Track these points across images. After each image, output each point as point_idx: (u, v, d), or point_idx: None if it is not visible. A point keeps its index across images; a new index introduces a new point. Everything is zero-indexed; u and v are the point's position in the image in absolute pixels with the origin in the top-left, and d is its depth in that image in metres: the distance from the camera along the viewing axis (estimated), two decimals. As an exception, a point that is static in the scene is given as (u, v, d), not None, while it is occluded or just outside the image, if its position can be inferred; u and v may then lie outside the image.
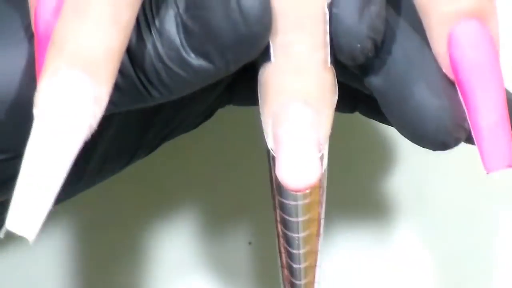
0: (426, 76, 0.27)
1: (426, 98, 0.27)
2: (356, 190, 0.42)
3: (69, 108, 0.25)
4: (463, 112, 0.27)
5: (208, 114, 0.35)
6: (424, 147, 0.27)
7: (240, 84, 0.34)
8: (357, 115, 0.34)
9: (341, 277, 0.41)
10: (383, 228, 0.42)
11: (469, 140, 0.27)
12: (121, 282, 0.42)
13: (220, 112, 0.36)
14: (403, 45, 0.27)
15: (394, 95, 0.27)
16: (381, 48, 0.27)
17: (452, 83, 0.27)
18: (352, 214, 0.42)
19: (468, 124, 0.27)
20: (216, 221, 0.42)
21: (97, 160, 0.33)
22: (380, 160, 0.43)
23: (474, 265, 0.42)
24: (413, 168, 0.43)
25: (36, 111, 0.25)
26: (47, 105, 0.25)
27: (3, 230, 0.24)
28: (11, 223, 0.24)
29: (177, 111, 0.34)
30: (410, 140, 0.27)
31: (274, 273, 0.42)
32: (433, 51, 0.27)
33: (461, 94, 0.27)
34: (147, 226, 0.43)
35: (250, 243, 0.42)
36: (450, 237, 0.42)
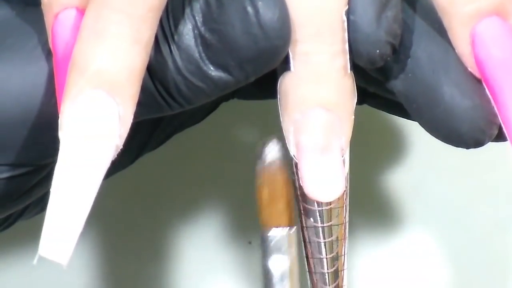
0: (453, 77, 0.27)
1: (456, 100, 0.27)
2: (363, 188, 0.42)
3: (95, 130, 0.25)
4: (493, 108, 0.27)
5: (213, 108, 0.35)
6: (457, 147, 0.27)
7: None
8: (365, 112, 0.34)
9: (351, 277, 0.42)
10: (393, 227, 0.43)
11: (500, 135, 0.27)
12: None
13: (220, 111, 0.36)
14: (426, 48, 0.27)
15: (422, 99, 0.27)
16: (404, 52, 0.27)
17: (479, 81, 0.27)
18: (360, 212, 0.42)
19: (499, 119, 0.27)
20: (216, 221, 0.42)
21: None
22: (390, 157, 0.43)
23: (486, 264, 0.43)
24: (423, 166, 0.43)
25: (62, 134, 0.25)
26: (72, 129, 0.25)
27: (36, 256, 0.24)
28: (44, 250, 0.24)
29: None
30: (442, 141, 0.28)
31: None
32: (456, 51, 0.27)
33: (489, 91, 0.27)
34: (147, 227, 0.42)
35: (250, 242, 0.42)
36: (461, 236, 0.43)
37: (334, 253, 0.29)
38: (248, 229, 0.42)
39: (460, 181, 0.43)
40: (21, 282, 0.42)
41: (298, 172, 0.27)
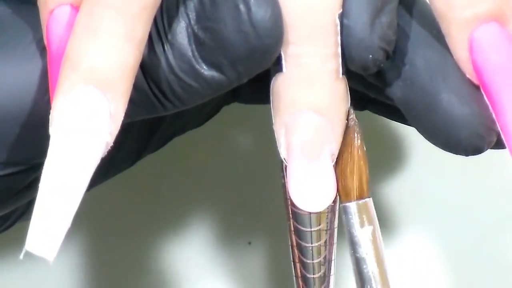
0: (451, 84, 0.27)
1: (455, 107, 0.27)
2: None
3: (85, 126, 0.25)
4: (492, 114, 0.27)
5: (214, 111, 0.35)
6: (456, 154, 0.27)
7: (244, 83, 0.34)
8: (364, 116, 0.34)
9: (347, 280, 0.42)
10: (393, 230, 0.43)
11: (499, 142, 0.27)
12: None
13: (220, 113, 0.36)
14: (424, 54, 0.27)
15: (421, 106, 0.27)
16: (402, 59, 0.27)
17: (477, 87, 0.27)
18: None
19: (498, 125, 0.26)
20: (216, 221, 0.42)
21: (105, 162, 0.33)
22: (389, 160, 0.43)
23: (485, 268, 0.42)
24: (422, 169, 0.43)
25: (52, 129, 0.25)
26: (63, 124, 0.25)
27: (23, 251, 0.24)
28: (30, 245, 0.24)
29: (184, 110, 0.34)
30: (441, 148, 0.27)
31: (273, 273, 0.43)
32: (454, 57, 0.27)
33: (487, 97, 0.27)
34: (147, 227, 0.42)
35: (250, 243, 0.42)
36: (461, 237, 0.43)
37: (322, 258, 0.29)
38: (248, 230, 0.42)
39: (460, 183, 0.43)
40: (20, 283, 0.42)
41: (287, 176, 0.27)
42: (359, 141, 0.28)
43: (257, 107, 0.35)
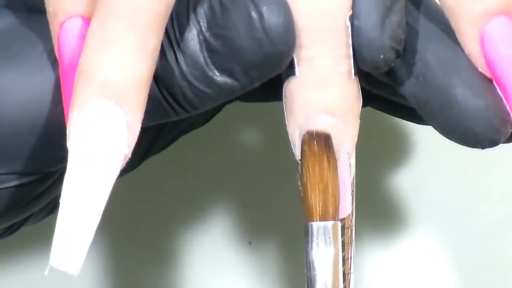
0: (464, 78, 0.27)
1: (470, 101, 0.27)
2: (365, 190, 0.42)
3: (103, 139, 0.25)
4: (506, 106, 0.27)
5: (216, 110, 0.35)
6: (472, 147, 0.27)
7: None
8: (366, 114, 0.34)
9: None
10: (397, 229, 0.43)
11: None
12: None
13: (222, 112, 0.36)
14: (435, 50, 0.27)
15: (435, 102, 0.27)
16: (413, 56, 0.27)
17: (489, 81, 0.27)
18: (364, 215, 0.42)
19: None
20: (216, 221, 0.43)
21: None
22: (392, 159, 0.43)
23: (486, 267, 0.43)
24: (425, 168, 0.43)
25: (70, 143, 0.25)
26: (81, 138, 0.24)
27: (47, 267, 0.24)
28: (54, 260, 0.24)
29: None
30: (457, 142, 0.28)
31: (274, 273, 0.43)
32: (465, 51, 0.27)
33: (501, 90, 0.27)
34: (147, 227, 0.42)
35: (250, 243, 0.42)
36: (465, 236, 0.43)
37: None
38: (248, 230, 0.43)
39: (462, 182, 0.43)
40: (22, 285, 0.42)
41: None
42: (327, 163, 0.27)
43: (259, 106, 0.35)
